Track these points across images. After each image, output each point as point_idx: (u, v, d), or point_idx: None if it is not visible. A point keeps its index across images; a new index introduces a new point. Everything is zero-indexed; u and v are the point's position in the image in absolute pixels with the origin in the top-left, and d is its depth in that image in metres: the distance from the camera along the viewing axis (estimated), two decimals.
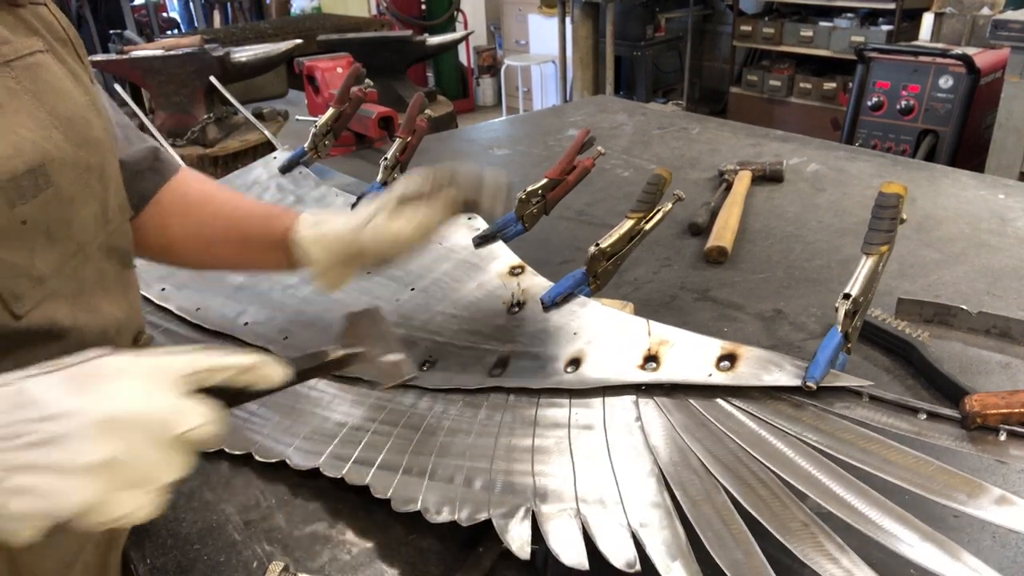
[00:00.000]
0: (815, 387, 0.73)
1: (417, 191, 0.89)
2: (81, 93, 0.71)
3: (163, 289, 1.27)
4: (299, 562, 0.81)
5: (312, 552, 0.83)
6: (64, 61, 0.71)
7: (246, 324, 1.16)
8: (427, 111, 1.46)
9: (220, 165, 2.89)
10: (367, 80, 1.54)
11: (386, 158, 1.38)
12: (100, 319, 0.71)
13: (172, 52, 2.85)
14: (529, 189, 1.16)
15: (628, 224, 1.02)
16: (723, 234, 1.47)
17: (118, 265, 0.77)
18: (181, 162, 0.99)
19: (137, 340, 0.80)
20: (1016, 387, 0.90)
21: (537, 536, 0.73)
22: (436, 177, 0.90)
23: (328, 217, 0.93)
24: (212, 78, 2.69)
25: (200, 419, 0.54)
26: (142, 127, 2.56)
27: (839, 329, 0.77)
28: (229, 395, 0.62)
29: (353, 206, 1.32)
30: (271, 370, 0.63)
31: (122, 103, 2.68)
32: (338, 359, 0.75)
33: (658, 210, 1.03)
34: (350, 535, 0.85)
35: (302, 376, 0.70)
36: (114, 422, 0.51)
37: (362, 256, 0.91)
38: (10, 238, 0.59)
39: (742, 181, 1.72)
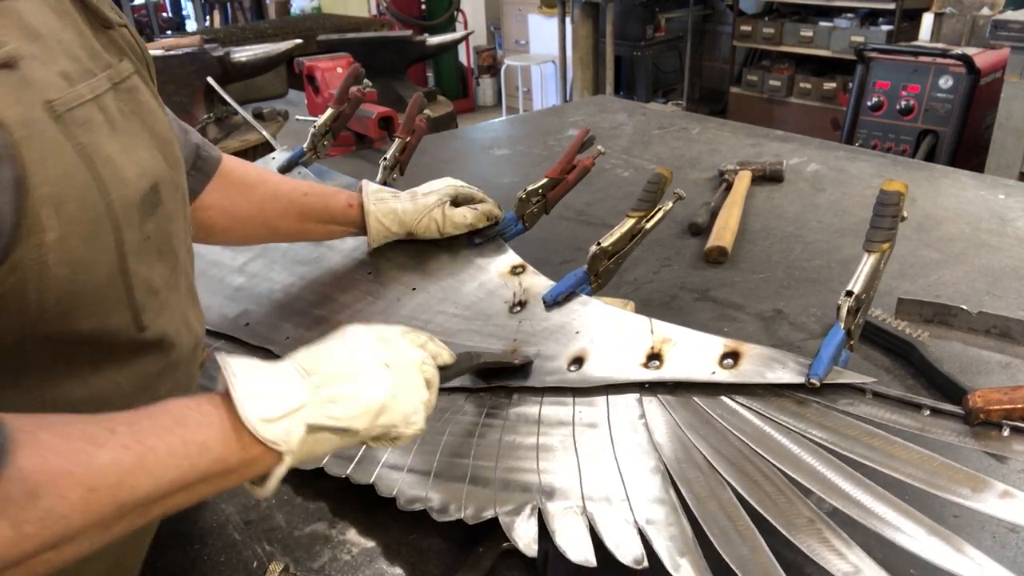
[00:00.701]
0: (819, 384, 0.73)
1: (469, 194, 1.16)
2: (163, 113, 0.73)
3: None
4: (299, 562, 0.81)
5: (312, 552, 0.83)
6: (147, 82, 0.73)
7: (247, 325, 1.16)
8: (426, 111, 1.46)
9: None
10: (366, 81, 1.53)
11: (385, 158, 1.38)
12: (191, 331, 0.74)
13: (172, 52, 2.84)
14: (529, 188, 1.16)
15: (629, 223, 1.02)
16: (723, 234, 1.47)
17: (194, 277, 0.80)
18: (220, 152, 1.02)
19: (202, 352, 0.83)
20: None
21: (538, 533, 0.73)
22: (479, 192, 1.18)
23: (388, 195, 1.13)
24: (210, 79, 2.67)
25: (426, 356, 0.74)
26: None
27: (842, 326, 0.77)
28: None
29: None
30: (442, 349, 0.79)
31: None
32: (486, 364, 0.90)
33: (659, 209, 1.03)
34: (350, 535, 0.85)
35: (457, 368, 0.82)
36: (384, 339, 0.71)
37: (411, 236, 1.14)
38: (140, 253, 0.63)
39: (742, 181, 1.72)
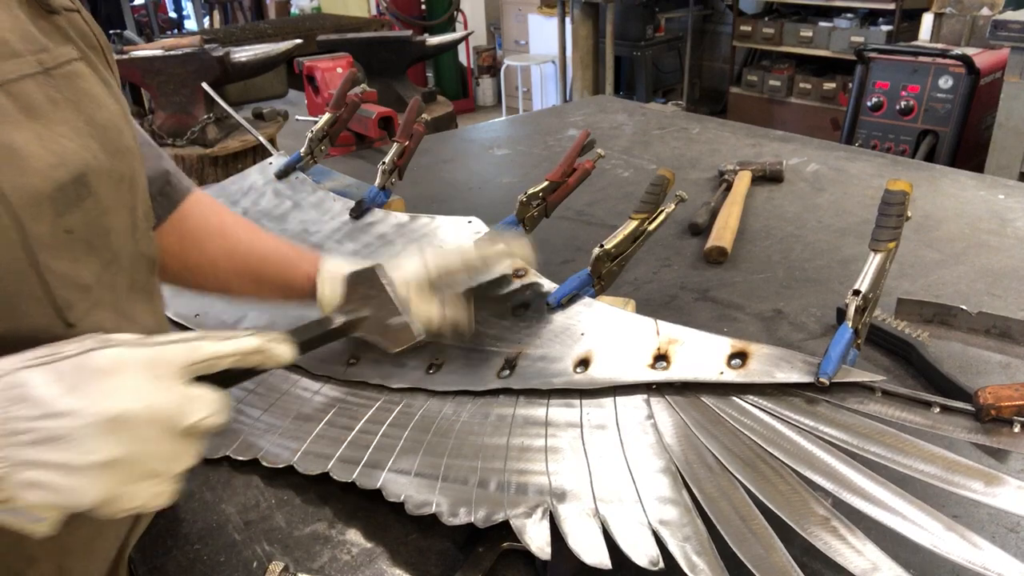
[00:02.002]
0: (828, 383, 0.73)
1: (449, 269, 0.94)
2: (113, 102, 0.71)
3: None
4: (299, 562, 0.81)
5: (312, 552, 0.82)
6: (97, 69, 0.71)
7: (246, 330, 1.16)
8: (424, 114, 1.45)
9: (220, 165, 2.89)
10: (362, 85, 1.53)
11: (384, 162, 1.38)
12: (138, 327, 0.72)
13: (172, 52, 2.84)
14: (530, 192, 1.16)
15: (632, 225, 1.01)
16: (723, 234, 1.47)
17: (147, 272, 0.78)
18: (193, 185, 0.98)
19: None
20: None
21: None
22: (475, 257, 0.96)
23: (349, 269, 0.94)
24: (204, 84, 2.67)
25: (206, 409, 0.57)
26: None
27: (849, 325, 0.77)
28: (233, 376, 0.64)
29: (352, 212, 1.31)
30: (280, 350, 0.67)
31: None
32: (341, 327, 0.78)
33: (661, 211, 1.03)
34: (350, 535, 0.84)
35: (306, 347, 0.73)
36: (118, 420, 0.53)
37: None
38: (58, 248, 0.60)
39: (742, 181, 1.72)
